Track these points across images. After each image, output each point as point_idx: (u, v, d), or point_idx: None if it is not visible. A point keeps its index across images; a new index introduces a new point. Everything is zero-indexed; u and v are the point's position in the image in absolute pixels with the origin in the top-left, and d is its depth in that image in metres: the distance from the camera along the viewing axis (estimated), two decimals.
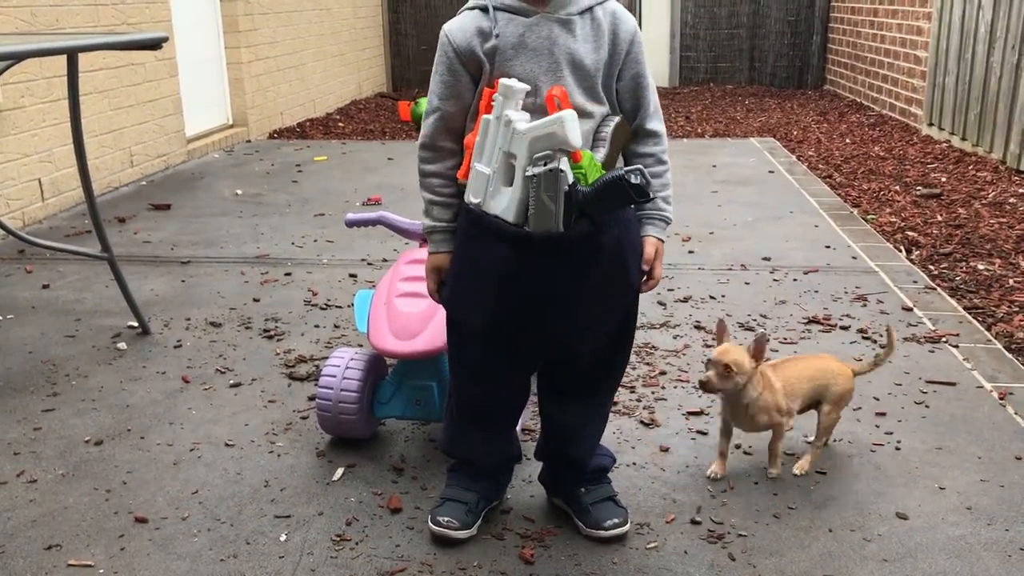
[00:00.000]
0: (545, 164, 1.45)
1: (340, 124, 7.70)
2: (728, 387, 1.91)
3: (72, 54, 2.53)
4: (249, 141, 6.67)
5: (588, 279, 1.61)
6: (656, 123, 1.70)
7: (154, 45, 2.71)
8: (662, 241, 1.71)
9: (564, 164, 1.46)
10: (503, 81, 1.48)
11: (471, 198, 1.56)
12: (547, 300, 1.62)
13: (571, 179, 1.47)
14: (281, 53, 7.27)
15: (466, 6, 1.65)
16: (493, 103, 1.50)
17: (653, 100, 1.69)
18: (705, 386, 1.91)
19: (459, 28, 1.61)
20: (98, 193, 4.86)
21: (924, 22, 6.83)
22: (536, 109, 1.55)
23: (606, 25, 1.62)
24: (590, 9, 1.61)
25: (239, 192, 4.98)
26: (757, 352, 1.92)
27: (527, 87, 1.49)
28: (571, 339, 1.69)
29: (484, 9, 1.60)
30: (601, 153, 1.57)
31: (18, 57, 2.31)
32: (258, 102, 6.86)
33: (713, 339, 2.84)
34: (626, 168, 1.46)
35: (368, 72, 9.50)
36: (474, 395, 1.80)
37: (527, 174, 1.46)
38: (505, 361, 1.73)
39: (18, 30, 4.25)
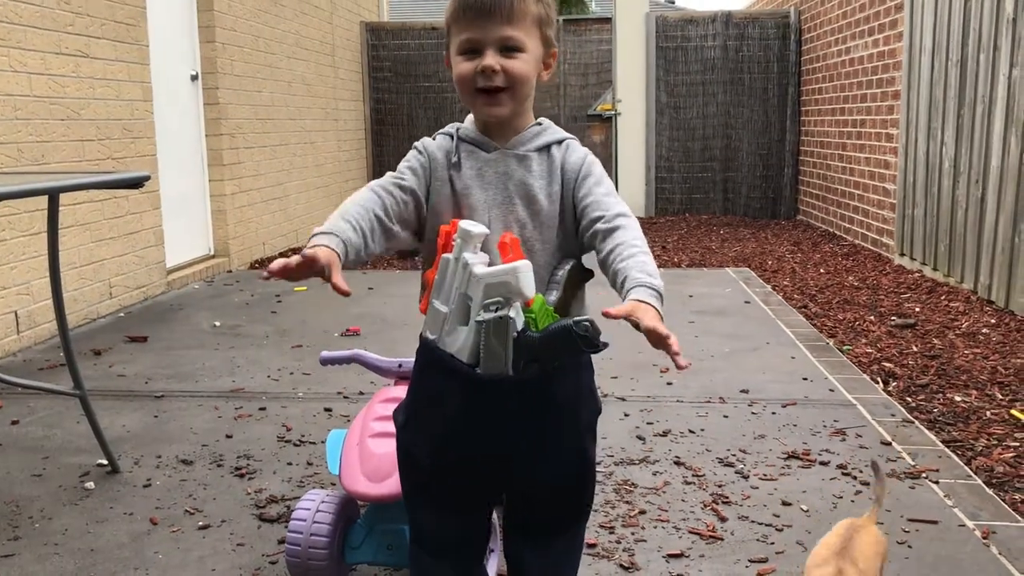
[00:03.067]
0: (496, 310, 1.47)
1: None
2: None
3: (53, 194, 2.56)
4: (230, 271, 6.71)
5: (539, 421, 1.60)
6: (620, 217, 1.58)
7: (136, 184, 2.75)
8: (648, 304, 1.44)
9: (515, 311, 1.48)
10: (461, 224, 1.51)
11: (428, 333, 1.58)
12: (498, 437, 1.61)
13: (520, 325, 1.48)
14: (265, 185, 7.39)
15: (439, 131, 1.72)
16: (453, 243, 1.53)
17: (616, 202, 1.61)
18: None
19: (433, 144, 1.69)
20: (76, 325, 4.84)
21: (891, 156, 7.06)
22: (487, 247, 1.56)
23: (560, 161, 1.66)
24: (547, 147, 1.67)
25: (217, 324, 4.97)
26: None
27: (486, 231, 1.52)
28: (524, 476, 1.67)
29: (451, 136, 1.68)
30: (554, 296, 1.59)
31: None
32: (240, 233, 6.93)
33: (694, 476, 2.81)
34: (575, 318, 1.47)
35: None
36: (431, 526, 1.75)
37: (477, 319, 1.48)
38: (459, 491, 1.69)
39: (2, 166, 4.31)
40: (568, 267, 1.64)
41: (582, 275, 1.68)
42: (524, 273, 1.46)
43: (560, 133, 1.70)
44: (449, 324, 1.54)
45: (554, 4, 1.67)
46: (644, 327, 1.39)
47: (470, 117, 1.70)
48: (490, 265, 1.52)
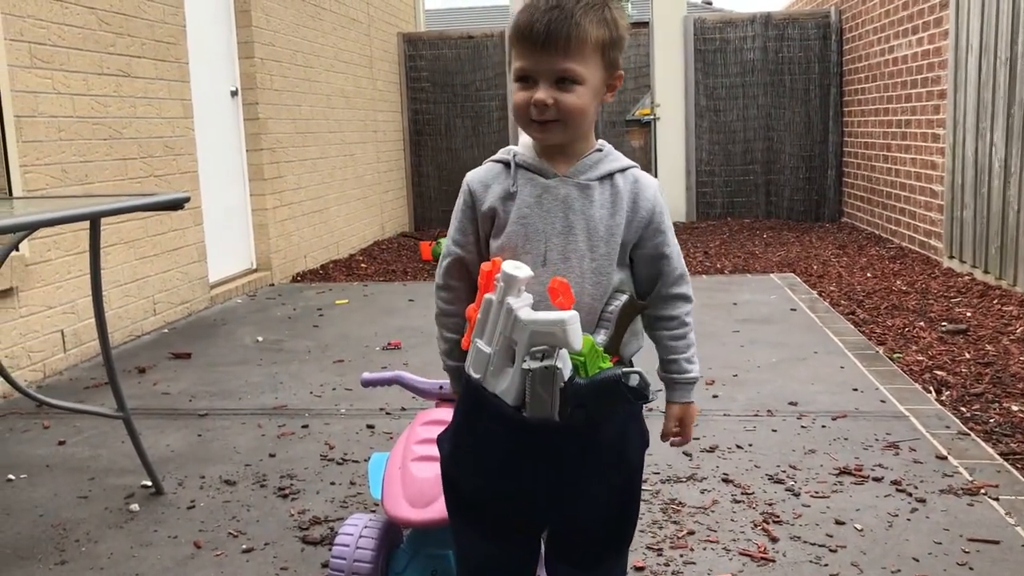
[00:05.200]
0: (542, 358, 1.42)
1: (363, 265, 7.80)
2: None
3: (95, 219, 2.57)
4: (272, 285, 6.74)
5: (584, 461, 1.56)
6: (680, 287, 1.65)
7: (176, 206, 2.75)
8: (689, 403, 1.69)
9: (562, 359, 1.43)
10: (505, 268, 1.46)
11: (472, 372, 1.55)
12: (542, 476, 1.57)
13: (568, 372, 1.44)
14: (305, 198, 7.43)
15: (492, 158, 1.67)
16: (496, 283, 1.48)
17: (678, 267, 1.65)
18: None
19: (480, 181, 1.63)
20: (120, 342, 4.88)
21: (938, 157, 6.91)
22: (538, 265, 1.54)
23: (626, 192, 1.61)
24: (610, 176, 1.61)
25: (260, 339, 4.99)
26: None
27: (530, 274, 1.47)
28: (569, 512, 1.63)
29: (507, 164, 1.62)
30: (603, 336, 1.54)
31: (38, 226, 2.35)
32: (282, 246, 6.97)
33: (743, 494, 2.75)
34: (624, 369, 1.44)
35: (391, 213, 9.69)
36: (477, 554, 1.73)
37: (524, 367, 1.44)
38: (504, 522, 1.66)
39: (47, 187, 4.37)
40: (621, 302, 1.58)
41: (635, 309, 1.61)
42: (572, 325, 1.41)
43: (623, 160, 1.64)
44: (494, 365, 1.50)
45: (624, 19, 1.59)
46: (685, 441, 1.73)
47: (524, 139, 1.65)
48: (535, 306, 1.48)
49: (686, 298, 1.67)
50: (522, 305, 1.45)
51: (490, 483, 1.60)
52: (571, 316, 1.42)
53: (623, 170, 1.62)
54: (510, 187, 1.59)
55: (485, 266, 1.52)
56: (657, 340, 1.68)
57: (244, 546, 2.53)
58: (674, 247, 1.65)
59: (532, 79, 1.54)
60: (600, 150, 1.63)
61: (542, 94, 1.52)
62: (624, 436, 1.60)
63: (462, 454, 1.63)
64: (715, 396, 3.73)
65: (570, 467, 1.56)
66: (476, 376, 1.54)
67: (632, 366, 1.62)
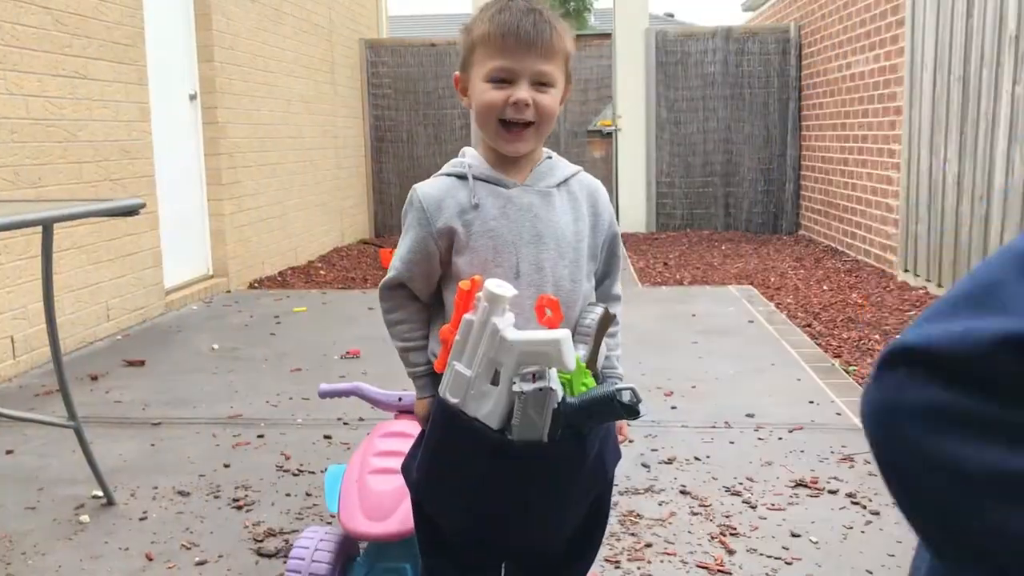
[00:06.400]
0: (534, 380, 1.38)
1: (322, 272, 7.74)
2: None
3: (47, 224, 2.51)
4: (229, 291, 6.66)
5: (569, 483, 1.54)
6: (620, 287, 1.74)
7: (130, 212, 2.70)
8: None
9: (554, 379, 1.40)
10: (488, 286, 1.41)
11: (449, 396, 1.47)
12: (525, 496, 1.54)
13: (560, 395, 1.41)
14: (264, 204, 7.36)
15: (442, 171, 1.61)
16: (475, 303, 1.43)
17: (620, 270, 1.74)
18: None
19: (434, 198, 1.56)
20: (73, 349, 4.79)
21: (893, 172, 7.02)
22: (511, 278, 1.50)
23: (582, 197, 1.62)
24: (566, 181, 1.61)
25: (216, 347, 4.92)
26: None
27: (513, 292, 1.42)
28: (547, 534, 1.62)
29: (461, 177, 1.58)
30: (584, 351, 1.51)
31: None
32: (239, 252, 6.89)
33: (701, 506, 2.76)
34: (617, 386, 1.41)
35: (351, 220, 9.63)
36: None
37: (515, 390, 1.38)
38: (481, 546, 1.64)
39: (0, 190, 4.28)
40: (598, 315, 1.56)
41: (608, 320, 1.59)
42: (566, 343, 1.37)
43: (570, 165, 1.66)
44: (475, 388, 1.43)
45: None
46: (624, 437, 1.72)
47: (472, 152, 1.62)
48: (518, 321, 1.44)
49: (621, 299, 1.74)
50: (507, 325, 1.40)
51: (471, 511, 1.56)
52: (565, 335, 1.38)
53: (575, 174, 1.64)
54: (470, 201, 1.54)
55: (463, 284, 1.46)
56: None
57: (197, 558, 2.49)
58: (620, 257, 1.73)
59: (509, 79, 1.51)
60: (550, 157, 1.64)
61: (524, 93, 1.51)
62: (605, 447, 1.59)
63: (438, 483, 1.57)
64: (673, 407, 3.75)
65: (556, 487, 1.53)
66: (454, 400, 1.46)
67: (602, 379, 1.62)
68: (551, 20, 1.53)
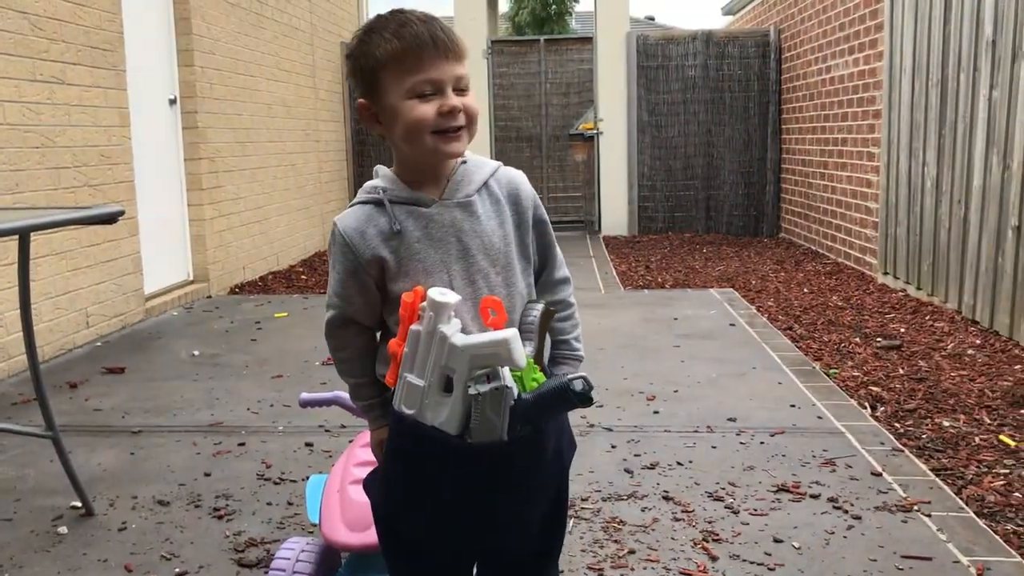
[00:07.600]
0: (489, 380, 1.40)
1: (303, 277, 7.71)
2: None
3: (24, 234, 2.49)
4: (209, 297, 6.62)
5: (532, 480, 1.55)
6: (564, 270, 1.72)
7: (109, 220, 2.68)
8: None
9: (508, 378, 1.41)
10: (431, 295, 1.41)
11: (404, 408, 1.47)
12: (489, 499, 1.55)
13: (516, 392, 1.42)
14: (245, 209, 7.32)
15: (358, 199, 1.58)
16: (420, 313, 1.44)
17: (559, 253, 1.71)
18: None
19: (356, 229, 1.54)
20: (52, 356, 4.75)
21: (873, 175, 7.06)
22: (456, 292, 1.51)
23: (503, 196, 1.60)
24: (485, 184, 1.59)
25: (196, 353, 4.89)
26: None
27: (457, 298, 1.42)
28: (516, 533, 1.62)
29: (378, 203, 1.55)
30: (531, 347, 1.52)
31: None
32: (220, 257, 6.85)
33: (683, 512, 2.76)
34: (568, 376, 1.42)
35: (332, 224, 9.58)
36: None
37: (471, 392, 1.40)
38: (447, 555, 1.64)
39: None
40: (539, 311, 1.57)
41: (551, 314, 1.61)
42: (515, 342, 1.39)
43: (488, 163, 1.63)
44: (429, 397, 1.44)
45: None
46: None
47: (385, 171, 1.60)
48: (463, 329, 1.45)
49: (568, 280, 1.72)
50: (454, 331, 1.41)
51: (436, 519, 1.56)
52: (513, 333, 1.40)
53: (493, 173, 1.62)
54: (392, 227, 1.52)
55: (407, 296, 1.45)
56: (553, 330, 1.68)
57: (177, 569, 2.47)
58: (553, 234, 1.70)
59: (434, 91, 1.50)
60: (464, 161, 1.60)
61: (455, 100, 1.50)
62: (561, 439, 1.61)
63: (400, 495, 1.57)
64: (656, 412, 3.75)
65: (520, 486, 1.54)
66: (410, 411, 1.46)
67: (547, 371, 1.63)
68: (445, 25, 1.54)
